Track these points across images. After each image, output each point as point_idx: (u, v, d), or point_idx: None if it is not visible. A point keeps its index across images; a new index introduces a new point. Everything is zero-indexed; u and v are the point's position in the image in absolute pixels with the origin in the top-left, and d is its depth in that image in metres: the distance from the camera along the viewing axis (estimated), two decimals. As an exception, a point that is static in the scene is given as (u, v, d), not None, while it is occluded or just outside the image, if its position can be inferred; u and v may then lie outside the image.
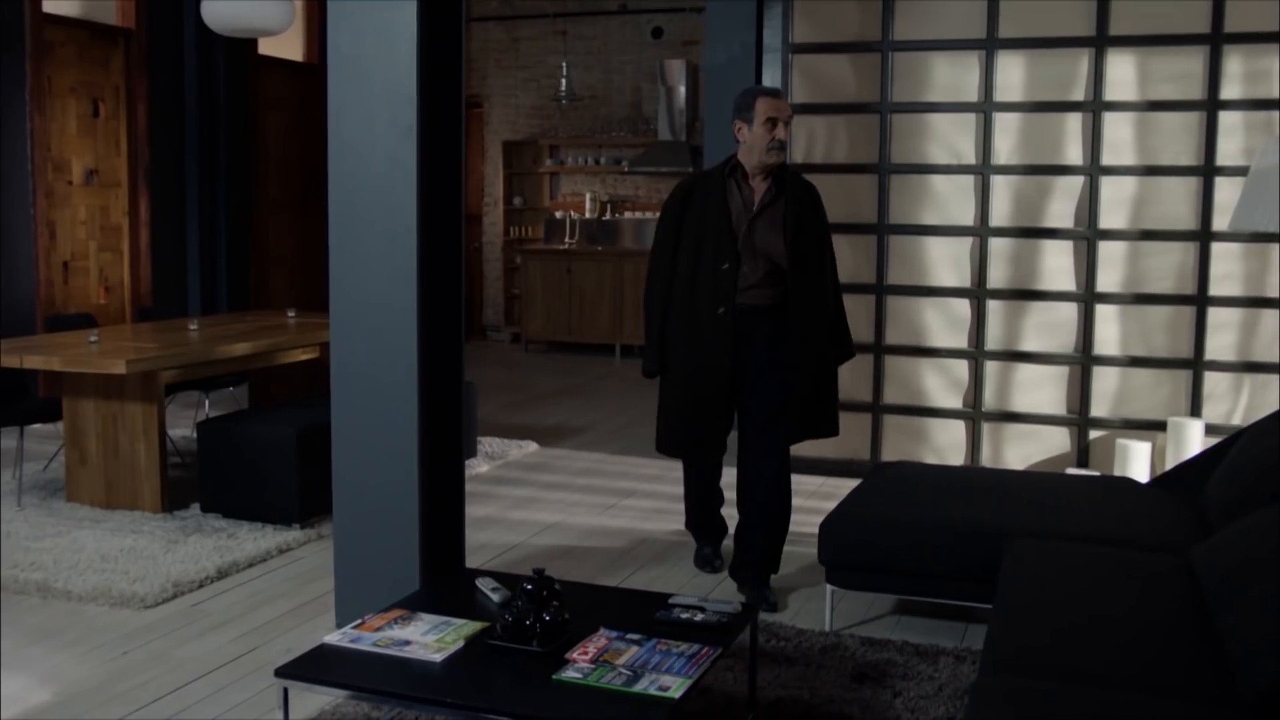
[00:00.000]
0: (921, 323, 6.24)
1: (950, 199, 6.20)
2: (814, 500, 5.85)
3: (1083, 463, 6.12)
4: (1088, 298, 6.03)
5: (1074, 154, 6.00)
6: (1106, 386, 6.07)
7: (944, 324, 6.25)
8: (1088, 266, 6.02)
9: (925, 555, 3.98)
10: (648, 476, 6.53)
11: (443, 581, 3.69)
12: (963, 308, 6.22)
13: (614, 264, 11.40)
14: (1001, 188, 6.11)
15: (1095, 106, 5.93)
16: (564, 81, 11.46)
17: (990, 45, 6.05)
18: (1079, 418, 6.11)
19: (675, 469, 6.73)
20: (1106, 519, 4.06)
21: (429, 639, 3.07)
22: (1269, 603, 2.84)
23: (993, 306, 6.17)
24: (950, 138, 6.17)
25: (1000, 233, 6.12)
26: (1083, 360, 6.07)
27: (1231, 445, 4.32)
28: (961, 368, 6.26)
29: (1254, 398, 5.88)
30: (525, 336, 11.74)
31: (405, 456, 3.94)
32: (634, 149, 11.96)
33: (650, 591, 3.70)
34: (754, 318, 4.35)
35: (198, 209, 8.85)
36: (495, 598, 3.37)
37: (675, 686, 2.80)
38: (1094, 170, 5.96)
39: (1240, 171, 5.76)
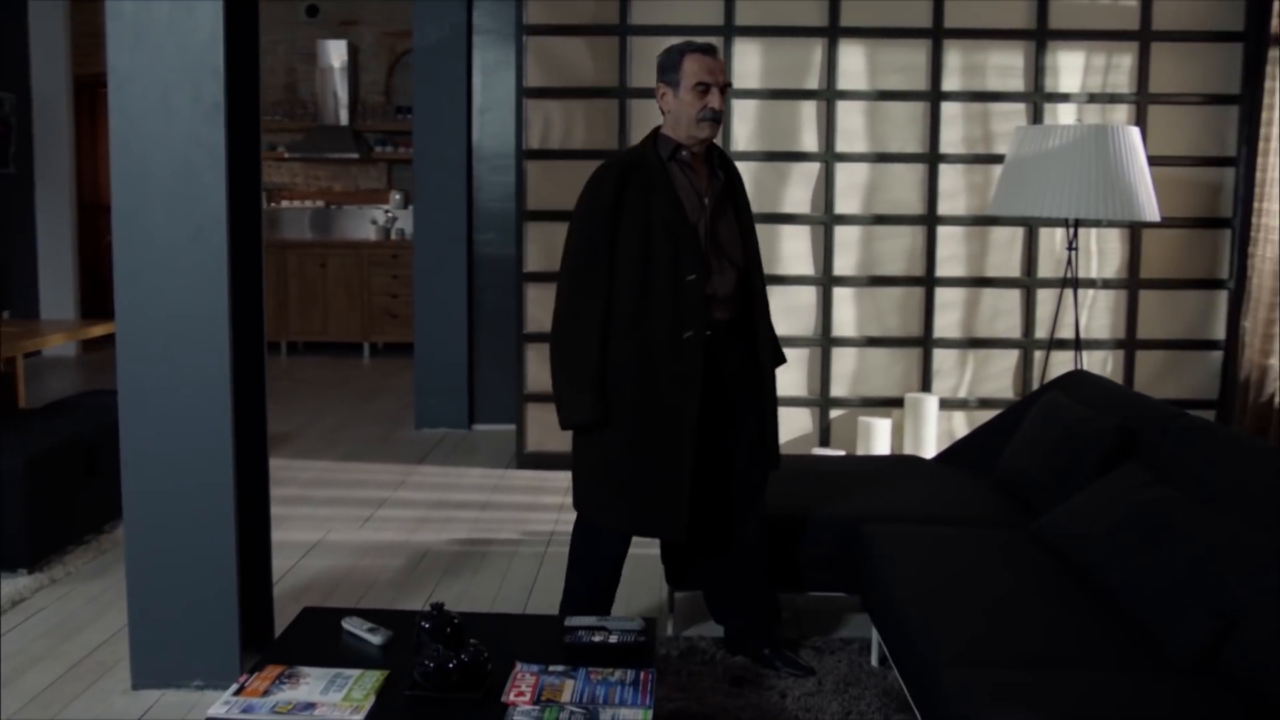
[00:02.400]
0: (667, 310, 6.18)
1: (692, 185, 6.16)
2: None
3: (825, 442, 6.29)
4: (826, 281, 6.19)
5: (810, 141, 6.14)
6: (845, 367, 6.27)
7: (689, 311, 6.22)
8: (825, 250, 6.17)
9: (776, 547, 3.90)
10: (389, 484, 6.11)
11: (299, 626, 3.21)
12: (707, 294, 6.21)
13: (276, 255, 10.66)
14: (741, 173, 6.13)
15: (829, 95, 6.09)
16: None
17: (728, 32, 6.07)
18: (820, 398, 6.27)
19: (419, 473, 6.38)
20: (933, 499, 4.13)
21: (333, 698, 2.64)
22: (1164, 571, 2.96)
23: (736, 292, 6.21)
24: (691, 124, 6.13)
25: (742, 219, 6.16)
26: (822, 342, 6.23)
27: (1016, 419, 4.53)
28: (707, 354, 6.26)
29: (977, 371, 6.25)
30: (178, 337, 10.76)
31: (218, 485, 3.43)
32: (291, 134, 11.24)
33: (540, 615, 3.41)
34: (722, 339, 3.57)
35: None
36: (375, 640, 2.97)
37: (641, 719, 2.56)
38: (829, 157, 6.12)
39: (961, 159, 6.10)
